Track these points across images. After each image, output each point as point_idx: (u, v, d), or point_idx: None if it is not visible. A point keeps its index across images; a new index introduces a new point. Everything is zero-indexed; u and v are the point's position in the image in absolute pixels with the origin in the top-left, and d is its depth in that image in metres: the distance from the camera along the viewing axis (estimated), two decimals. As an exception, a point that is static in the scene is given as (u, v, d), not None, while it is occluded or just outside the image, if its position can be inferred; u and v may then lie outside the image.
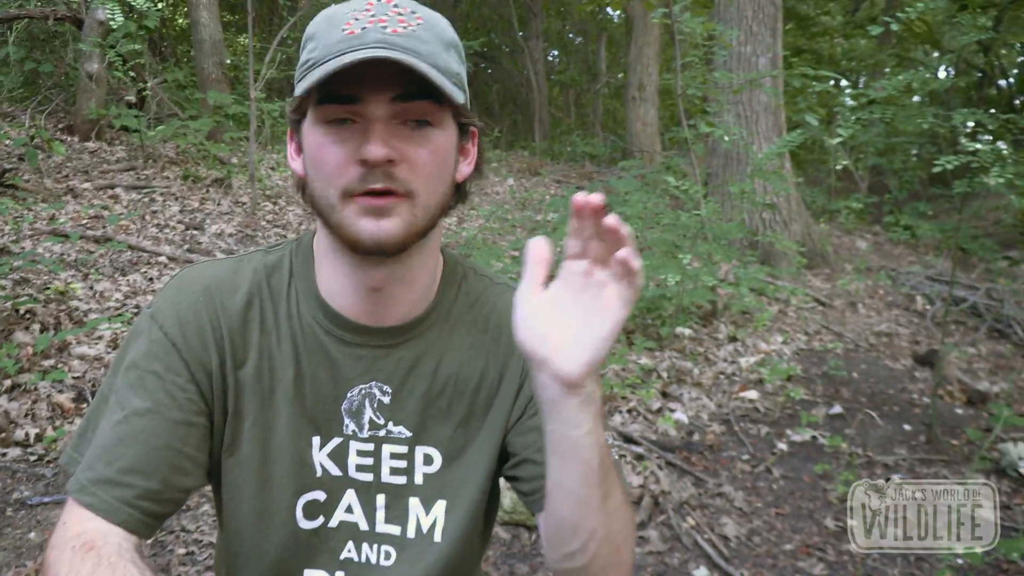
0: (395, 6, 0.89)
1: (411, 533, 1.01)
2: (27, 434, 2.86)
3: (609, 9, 13.94)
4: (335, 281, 0.97)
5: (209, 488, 1.03)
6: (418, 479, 1.01)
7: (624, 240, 0.73)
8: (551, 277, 0.79)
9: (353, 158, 0.86)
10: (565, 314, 0.77)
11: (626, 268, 0.73)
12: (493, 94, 17.93)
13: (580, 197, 0.73)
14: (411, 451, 1.01)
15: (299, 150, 0.95)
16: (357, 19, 0.87)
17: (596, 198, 0.72)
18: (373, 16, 0.87)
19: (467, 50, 0.95)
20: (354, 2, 0.90)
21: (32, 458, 2.79)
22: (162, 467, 0.90)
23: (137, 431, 0.90)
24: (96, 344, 3.56)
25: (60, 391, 3.14)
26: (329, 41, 0.87)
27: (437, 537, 1.01)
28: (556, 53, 18.76)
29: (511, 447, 1.03)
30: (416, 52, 0.85)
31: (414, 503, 1.01)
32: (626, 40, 14.05)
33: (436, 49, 0.88)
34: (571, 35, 18.39)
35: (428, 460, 1.02)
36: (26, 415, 2.98)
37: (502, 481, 1.08)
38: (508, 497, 2.72)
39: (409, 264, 0.95)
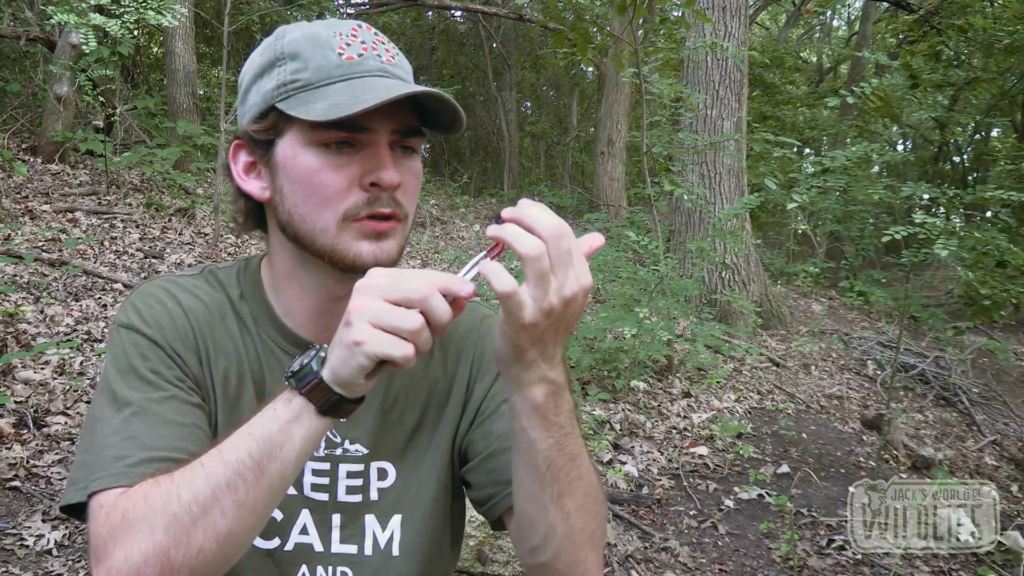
0: (376, 34, 0.92)
1: (368, 551, 1.00)
2: (-39, 458, 2.78)
3: (583, 65, 14.25)
4: (297, 301, 0.98)
5: None
6: (373, 495, 1.00)
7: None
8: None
9: (357, 182, 0.88)
10: None
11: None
12: (464, 140, 18.12)
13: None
14: (366, 467, 1.00)
15: (259, 171, 0.94)
16: (349, 44, 0.89)
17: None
18: (364, 43, 0.90)
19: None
20: (333, 24, 0.91)
21: (-36, 483, 2.70)
22: (201, 443, 0.85)
23: (163, 413, 0.86)
24: (42, 369, 3.49)
25: (1, 415, 3.06)
26: (324, 64, 0.87)
27: (395, 551, 1.00)
28: (529, 104, 19.09)
29: (467, 454, 1.03)
30: (411, 82, 0.90)
31: (370, 520, 1.00)
32: (598, 96, 14.36)
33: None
34: (544, 88, 18.76)
35: (383, 475, 1.01)
36: (-38, 438, 2.90)
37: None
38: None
39: None
